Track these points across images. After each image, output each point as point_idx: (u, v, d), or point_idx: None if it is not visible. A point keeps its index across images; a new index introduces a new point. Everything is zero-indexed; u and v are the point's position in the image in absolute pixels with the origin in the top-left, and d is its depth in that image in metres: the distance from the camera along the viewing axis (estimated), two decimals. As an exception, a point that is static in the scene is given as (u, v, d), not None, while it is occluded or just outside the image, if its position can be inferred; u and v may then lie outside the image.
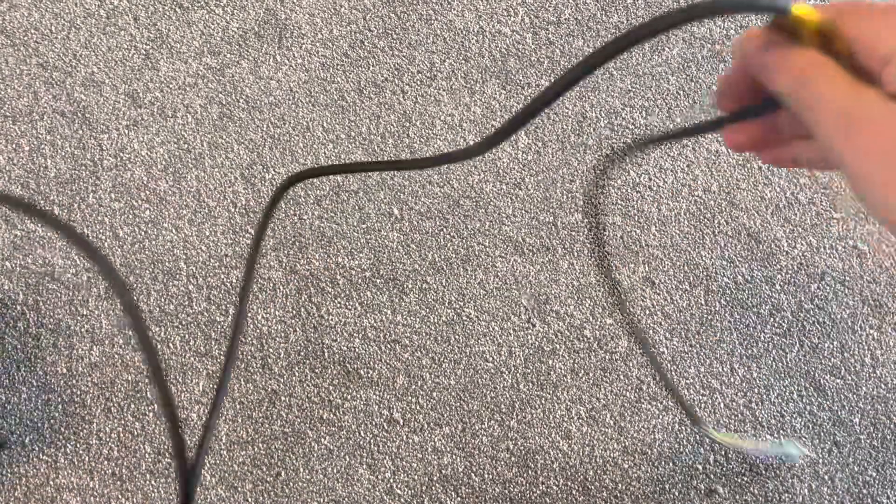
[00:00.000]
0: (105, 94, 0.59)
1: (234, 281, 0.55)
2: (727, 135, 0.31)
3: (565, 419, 0.52)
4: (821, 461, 0.51)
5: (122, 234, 0.56)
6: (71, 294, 0.55)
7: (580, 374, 0.53)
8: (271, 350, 0.54)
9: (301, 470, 0.52)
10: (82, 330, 0.54)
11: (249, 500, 0.52)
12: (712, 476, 0.51)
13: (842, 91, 0.26)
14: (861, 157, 0.25)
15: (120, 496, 0.51)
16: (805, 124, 0.26)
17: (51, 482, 0.51)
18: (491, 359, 0.53)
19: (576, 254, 0.55)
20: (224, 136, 0.58)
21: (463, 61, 0.60)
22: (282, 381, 0.53)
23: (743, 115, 0.31)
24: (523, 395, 0.52)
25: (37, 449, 0.51)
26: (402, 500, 0.51)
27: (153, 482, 0.51)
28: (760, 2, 0.27)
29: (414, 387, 0.53)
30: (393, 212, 0.56)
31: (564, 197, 0.57)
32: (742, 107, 0.31)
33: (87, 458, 0.51)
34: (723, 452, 0.51)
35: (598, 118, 0.59)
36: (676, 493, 0.51)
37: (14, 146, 0.58)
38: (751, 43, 0.28)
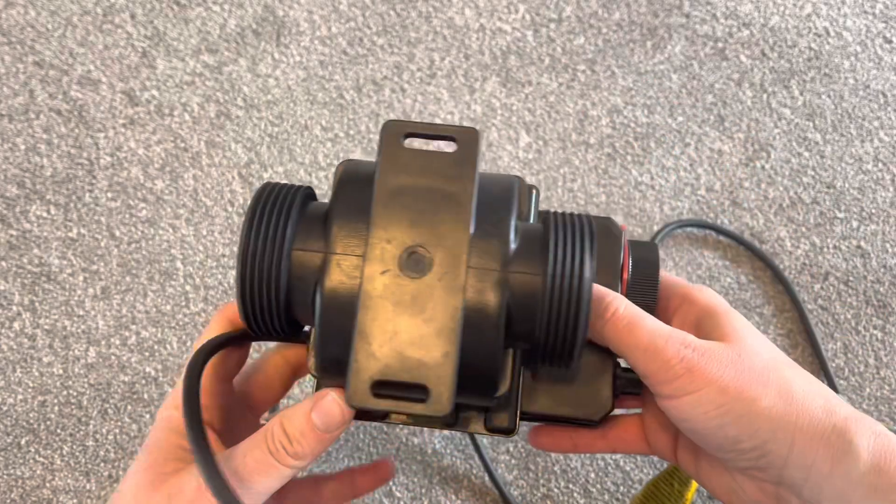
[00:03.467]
0: (102, 93, 0.59)
1: (232, 281, 0.55)
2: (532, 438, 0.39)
3: (566, 421, 0.52)
4: (824, 463, 0.50)
5: (119, 233, 0.56)
6: (67, 294, 0.54)
7: (581, 376, 0.52)
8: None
9: (299, 472, 0.51)
10: (78, 331, 0.53)
11: (247, 502, 0.51)
12: (715, 478, 0.50)
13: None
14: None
15: (117, 498, 0.50)
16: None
17: (47, 484, 0.50)
18: (491, 360, 0.53)
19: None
20: (221, 135, 0.58)
21: (463, 59, 0.60)
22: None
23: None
24: (524, 397, 0.52)
25: (33, 451, 0.51)
26: (402, 502, 0.50)
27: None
28: None
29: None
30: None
31: (566, 196, 0.57)
32: None
33: (83, 460, 0.51)
34: (725, 454, 0.51)
35: (599, 116, 0.59)
36: (678, 496, 0.50)
37: (10, 145, 0.58)
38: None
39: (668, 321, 0.34)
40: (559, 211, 0.31)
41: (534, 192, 0.33)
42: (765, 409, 0.30)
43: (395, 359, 0.26)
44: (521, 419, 0.34)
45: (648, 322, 0.31)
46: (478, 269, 0.27)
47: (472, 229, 0.27)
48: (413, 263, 0.27)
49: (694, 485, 0.42)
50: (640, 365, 0.31)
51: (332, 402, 0.30)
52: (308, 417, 0.30)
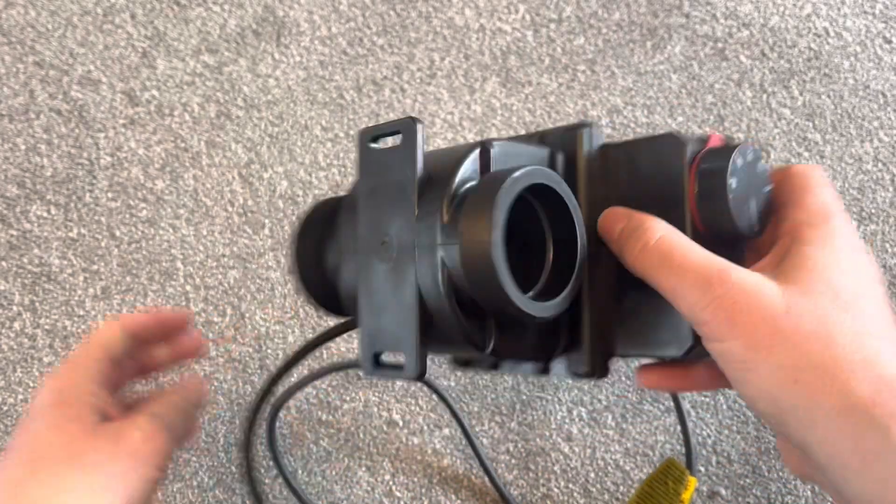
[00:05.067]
0: (102, 93, 0.59)
1: (232, 281, 0.55)
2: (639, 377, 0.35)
3: (566, 421, 0.52)
4: (824, 463, 0.50)
5: (119, 233, 0.56)
6: (67, 295, 0.54)
7: (581, 376, 0.52)
8: (269, 351, 0.53)
9: (300, 472, 0.51)
10: (79, 331, 0.53)
11: (248, 501, 0.51)
12: (714, 478, 0.50)
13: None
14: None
15: (117, 498, 0.50)
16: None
17: (47, 484, 0.50)
18: (491, 360, 0.53)
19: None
20: (222, 135, 0.58)
21: (463, 59, 0.60)
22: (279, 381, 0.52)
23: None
24: (524, 397, 0.52)
25: (33, 451, 0.51)
26: (402, 502, 0.50)
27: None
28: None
29: (413, 388, 0.52)
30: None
31: (565, 196, 0.57)
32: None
33: (83, 460, 0.51)
34: (725, 454, 0.51)
35: (599, 116, 0.59)
36: (678, 496, 0.50)
37: (10, 145, 0.58)
38: None
39: (772, 234, 0.30)
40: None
41: (579, 133, 0.33)
42: (786, 379, 0.25)
43: (381, 334, 0.31)
44: (606, 360, 0.33)
45: (679, 254, 0.28)
46: (423, 247, 0.29)
47: (415, 211, 0.30)
48: (385, 252, 0.30)
49: (692, 484, 0.42)
50: (674, 304, 0.28)
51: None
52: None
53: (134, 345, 0.39)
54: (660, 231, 0.29)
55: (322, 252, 0.36)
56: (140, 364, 0.41)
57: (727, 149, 0.30)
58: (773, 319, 0.26)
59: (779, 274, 0.27)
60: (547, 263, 0.31)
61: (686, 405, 0.51)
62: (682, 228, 0.30)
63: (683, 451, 0.49)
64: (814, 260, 0.27)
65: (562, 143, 0.33)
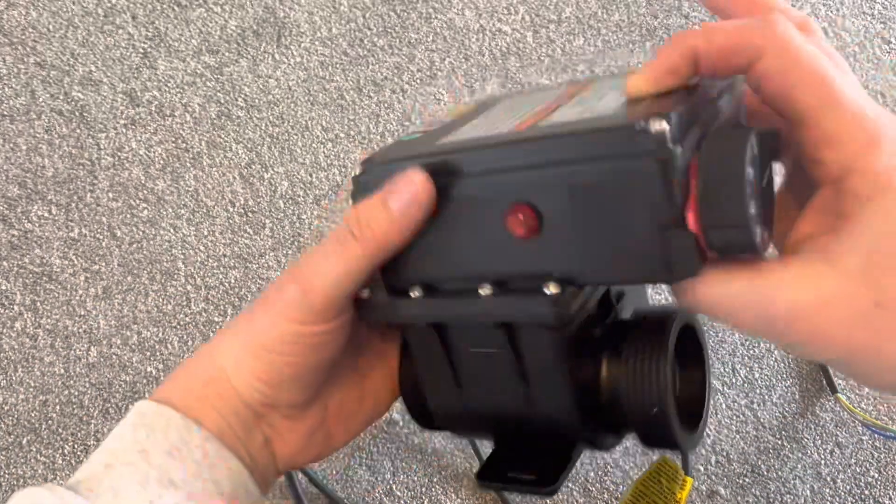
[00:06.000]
0: (103, 93, 0.59)
1: (233, 281, 0.55)
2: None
3: (566, 420, 0.52)
4: (823, 462, 0.51)
5: (120, 233, 0.56)
6: (69, 294, 0.54)
7: (581, 375, 0.52)
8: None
9: (300, 472, 0.51)
10: (80, 331, 0.53)
11: (248, 501, 0.51)
12: (713, 477, 0.50)
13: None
14: None
15: (118, 497, 0.51)
16: None
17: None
18: (491, 359, 0.53)
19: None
20: (222, 135, 0.58)
21: (463, 60, 0.60)
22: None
23: None
24: (524, 396, 0.52)
25: (34, 450, 0.51)
26: (402, 501, 0.50)
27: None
28: None
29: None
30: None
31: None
32: None
33: (84, 460, 0.51)
34: (724, 454, 0.51)
35: (598, 117, 0.59)
36: (678, 495, 0.50)
37: (11, 145, 0.58)
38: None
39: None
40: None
41: None
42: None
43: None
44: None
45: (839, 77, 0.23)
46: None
47: None
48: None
49: (688, 483, 0.41)
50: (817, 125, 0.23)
51: (411, 173, 0.27)
52: (379, 196, 0.27)
53: None
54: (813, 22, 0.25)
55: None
56: None
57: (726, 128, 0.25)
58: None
59: None
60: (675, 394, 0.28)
61: (685, 405, 0.52)
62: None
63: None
64: None
65: None
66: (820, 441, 0.51)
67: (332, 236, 0.28)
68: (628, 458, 0.51)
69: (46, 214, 0.56)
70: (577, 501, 0.50)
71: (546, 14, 0.61)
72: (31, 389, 0.52)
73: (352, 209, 0.28)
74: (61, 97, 0.59)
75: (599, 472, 0.51)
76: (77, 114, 0.59)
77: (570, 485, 0.50)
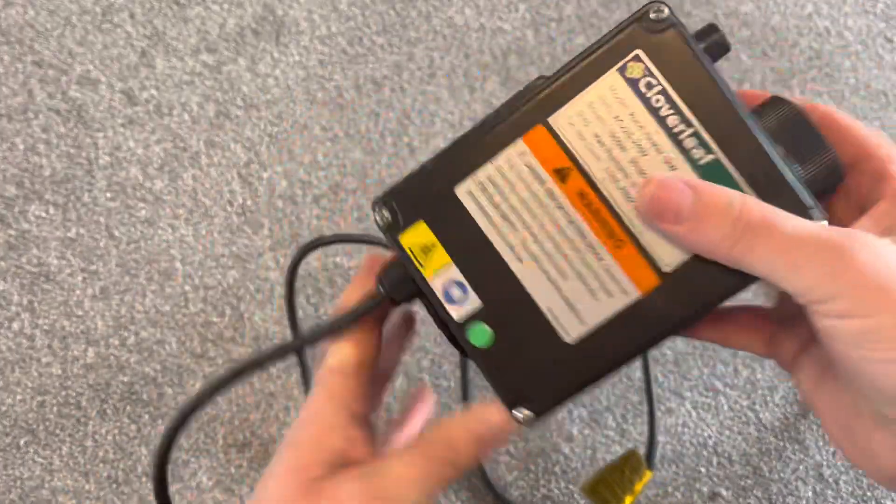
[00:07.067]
0: (101, 92, 0.59)
1: (231, 281, 0.54)
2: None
3: (566, 421, 0.51)
4: (825, 464, 0.50)
5: (118, 233, 0.55)
6: (66, 295, 0.54)
7: (581, 376, 0.52)
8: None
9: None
10: (77, 331, 0.53)
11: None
12: (715, 479, 0.50)
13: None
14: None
15: (115, 499, 0.50)
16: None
17: (46, 485, 0.50)
18: (491, 360, 0.52)
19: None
20: (221, 135, 0.58)
21: (463, 58, 0.60)
22: (279, 382, 0.52)
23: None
24: (524, 397, 0.52)
25: (31, 451, 0.51)
26: (402, 503, 0.50)
27: (149, 485, 0.51)
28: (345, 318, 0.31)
29: (413, 388, 0.52)
30: (392, 211, 0.55)
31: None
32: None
33: (82, 461, 0.51)
34: (726, 455, 0.51)
35: (599, 116, 0.59)
36: (679, 497, 0.50)
37: (9, 144, 0.57)
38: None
39: (851, 220, 0.26)
40: None
41: None
42: None
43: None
44: None
45: (783, 223, 0.24)
46: None
47: None
48: None
49: (646, 476, 0.42)
50: (780, 285, 0.24)
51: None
52: (471, 431, 0.28)
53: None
54: (748, 200, 0.24)
55: None
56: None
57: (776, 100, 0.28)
58: None
59: None
60: None
61: (687, 406, 0.51)
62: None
63: (684, 452, 0.49)
64: None
65: None
66: (822, 442, 0.51)
67: None
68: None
69: (44, 214, 0.56)
70: (577, 502, 0.50)
71: (547, 12, 0.61)
72: (29, 390, 0.52)
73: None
74: (59, 96, 0.59)
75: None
76: (75, 113, 0.58)
77: (570, 486, 0.50)
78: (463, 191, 0.29)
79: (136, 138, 0.58)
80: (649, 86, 0.27)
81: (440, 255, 0.28)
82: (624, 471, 0.41)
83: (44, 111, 0.58)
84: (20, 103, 0.58)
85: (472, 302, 0.28)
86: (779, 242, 0.23)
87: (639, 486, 0.41)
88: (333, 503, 0.26)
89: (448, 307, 0.28)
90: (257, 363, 0.31)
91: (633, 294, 0.27)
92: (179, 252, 0.55)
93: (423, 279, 0.29)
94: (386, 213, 0.29)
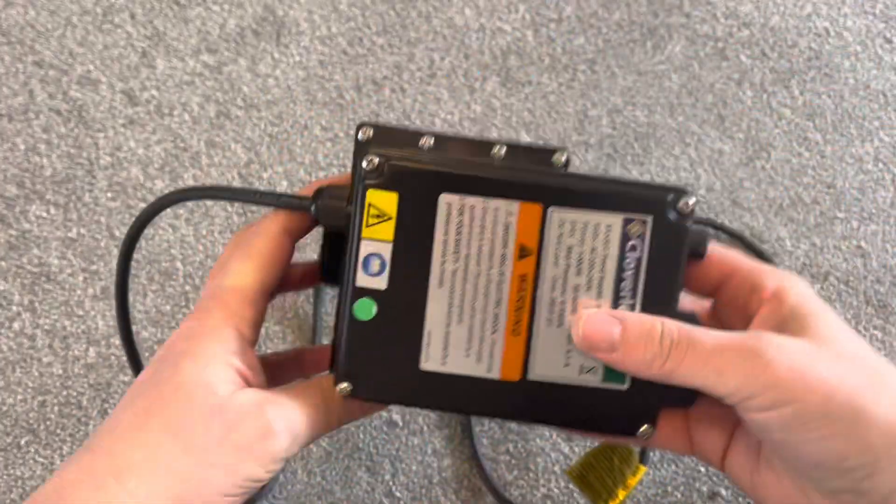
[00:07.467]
0: (101, 93, 0.59)
1: (232, 281, 0.55)
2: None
3: (566, 421, 0.52)
4: (824, 463, 0.50)
5: (119, 233, 0.55)
6: (67, 295, 0.54)
7: (581, 376, 0.52)
8: (268, 352, 0.53)
9: (300, 472, 0.51)
10: (78, 331, 0.53)
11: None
12: (715, 479, 0.50)
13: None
14: None
15: (116, 499, 0.50)
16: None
17: (47, 484, 0.50)
18: (491, 360, 0.52)
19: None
20: (221, 135, 0.58)
21: (463, 59, 0.60)
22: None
23: None
24: (524, 397, 0.52)
25: (32, 451, 0.51)
26: (402, 502, 0.50)
27: (150, 484, 0.51)
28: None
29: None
30: (392, 211, 0.55)
31: (565, 196, 0.56)
32: None
33: (83, 461, 0.51)
34: (725, 455, 0.51)
35: (599, 116, 0.59)
36: (679, 496, 0.50)
37: (10, 145, 0.57)
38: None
39: (746, 324, 0.30)
40: None
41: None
42: (880, 418, 0.25)
43: None
44: None
45: (702, 337, 0.27)
46: None
47: None
48: None
49: (641, 471, 0.40)
50: (712, 392, 0.27)
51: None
52: None
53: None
54: (665, 321, 0.28)
55: None
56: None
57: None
58: (838, 370, 0.26)
59: (808, 338, 0.27)
60: None
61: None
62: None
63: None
64: (830, 330, 0.28)
65: None
66: (821, 442, 0.51)
67: None
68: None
69: (44, 214, 0.56)
70: (577, 502, 0.50)
71: (546, 13, 0.61)
72: (30, 390, 0.52)
73: None
74: (59, 96, 0.59)
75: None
76: (75, 113, 0.58)
77: (570, 486, 0.50)
78: (446, 200, 0.30)
79: (136, 138, 0.58)
80: (633, 248, 0.30)
81: (386, 230, 0.30)
82: (613, 458, 0.40)
83: (44, 111, 0.58)
84: (21, 103, 0.59)
85: (380, 283, 0.30)
86: (700, 354, 0.27)
87: (633, 481, 0.40)
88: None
89: (359, 271, 0.30)
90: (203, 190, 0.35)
91: (495, 373, 0.30)
92: (180, 252, 0.55)
93: (359, 234, 0.30)
94: (373, 161, 0.30)
